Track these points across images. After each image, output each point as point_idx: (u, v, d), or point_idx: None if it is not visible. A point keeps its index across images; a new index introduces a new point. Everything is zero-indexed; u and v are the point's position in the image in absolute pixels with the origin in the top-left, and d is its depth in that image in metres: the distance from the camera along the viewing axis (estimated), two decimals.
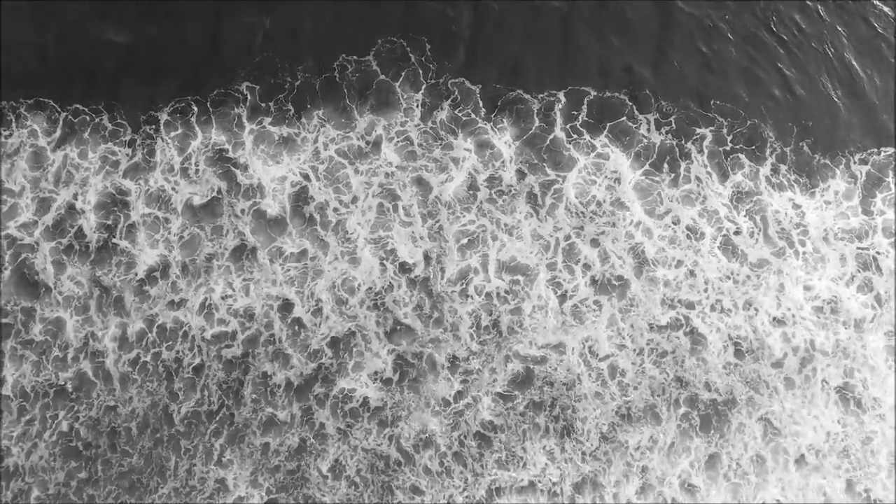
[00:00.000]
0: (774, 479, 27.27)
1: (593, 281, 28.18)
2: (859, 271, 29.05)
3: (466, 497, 26.40)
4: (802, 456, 27.57)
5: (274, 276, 27.37)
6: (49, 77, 29.00)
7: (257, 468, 26.17)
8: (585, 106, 29.65)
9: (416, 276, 27.72)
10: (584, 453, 26.95)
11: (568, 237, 28.44)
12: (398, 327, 27.32)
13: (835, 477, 27.48)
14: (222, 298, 27.15)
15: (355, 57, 29.55)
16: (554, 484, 26.74)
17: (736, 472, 27.16)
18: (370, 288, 27.48)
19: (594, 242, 28.45)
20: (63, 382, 26.34)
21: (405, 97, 29.22)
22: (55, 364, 26.45)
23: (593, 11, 31.85)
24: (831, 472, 27.51)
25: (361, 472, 26.35)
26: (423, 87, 29.42)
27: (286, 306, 27.21)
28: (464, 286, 27.80)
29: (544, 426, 27.03)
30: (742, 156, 29.80)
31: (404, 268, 27.73)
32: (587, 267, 28.29)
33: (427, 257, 27.84)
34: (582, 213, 28.68)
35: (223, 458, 26.15)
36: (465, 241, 28.07)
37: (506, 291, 27.87)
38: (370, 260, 27.69)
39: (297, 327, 27.15)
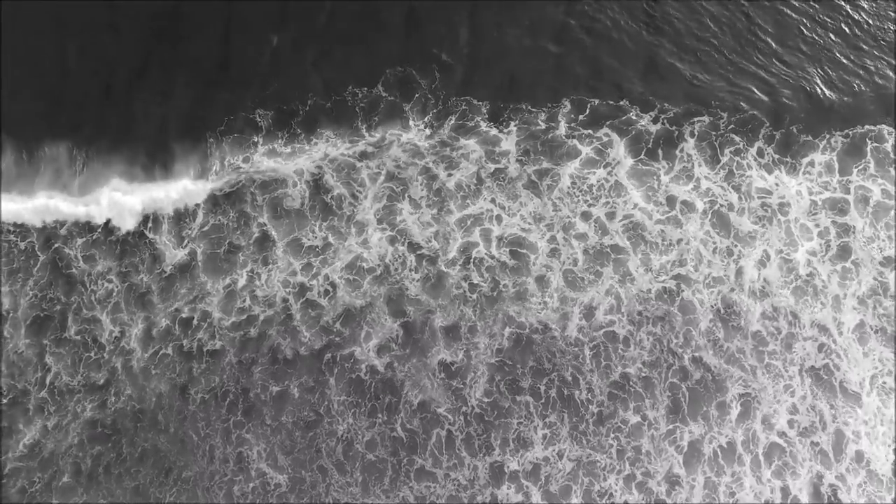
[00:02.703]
0: (749, 473, 28.13)
1: (588, 251, 29.30)
2: (838, 237, 30.13)
3: (471, 490, 27.37)
4: (774, 444, 28.39)
5: (292, 266, 28.57)
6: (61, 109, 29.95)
7: (273, 445, 27.23)
8: (588, 110, 30.84)
9: (422, 253, 28.87)
10: (580, 435, 27.89)
11: (568, 216, 29.64)
12: (405, 299, 28.42)
13: (805, 476, 28.31)
14: (241, 289, 28.33)
15: (365, 89, 30.50)
16: (558, 472, 27.68)
17: (713, 467, 28.05)
18: (382, 271, 28.63)
19: (587, 216, 29.62)
20: (95, 381, 27.53)
21: (414, 115, 30.26)
22: (87, 366, 27.66)
23: (587, 21, 32.96)
24: (802, 469, 28.34)
25: (376, 450, 27.38)
26: (431, 105, 30.45)
27: (302, 290, 28.35)
28: (468, 262, 28.91)
29: (544, 399, 28.02)
30: (734, 135, 31.03)
31: (413, 247, 28.89)
32: (584, 237, 29.42)
33: (435, 236, 29.03)
34: (581, 195, 29.84)
35: (242, 437, 27.25)
36: (470, 221, 29.29)
37: (510, 270, 29.00)
38: (381, 242, 28.89)
39: (310, 309, 28.23)
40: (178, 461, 26.90)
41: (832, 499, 28.03)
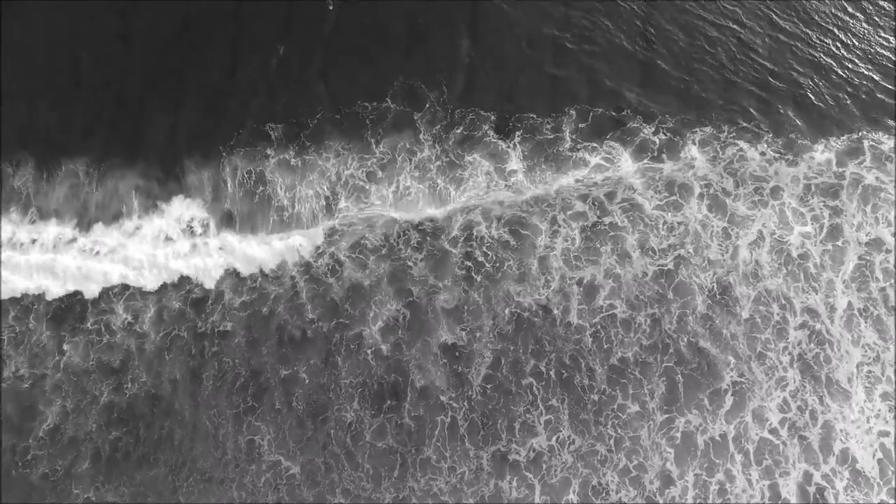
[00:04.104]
0: (739, 472, 28.35)
1: (586, 230, 30.02)
2: (830, 218, 30.89)
3: (476, 486, 27.63)
4: (764, 439, 28.67)
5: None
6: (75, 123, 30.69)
7: (284, 433, 27.56)
8: (591, 119, 31.66)
9: (425, 229, 29.52)
10: (580, 424, 28.20)
11: (567, 198, 30.41)
12: (409, 277, 28.99)
13: (793, 475, 28.54)
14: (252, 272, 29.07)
15: (375, 102, 31.26)
16: (559, 463, 27.96)
17: (704, 463, 28.32)
18: (386, 250, 29.24)
19: (585, 196, 30.43)
20: (111, 363, 28.09)
21: (423, 126, 30.97)
22: (101, 350, 28.28)
23: (583, 36, 34.03)
24: (790, 467, 28.56)
25: (383, 439, 27.72)
26: (440, 117, 31.17)
27: (308, 268, 29.02)
28: (470, 238, 29.55)
29: (546, 384, 28.41)
30: (737, 141, 32.01)
31: (417, 226, 29.55)
32: (583, 216, 30.18)
33: (439, 216, 29.69)
34: (583, 188, 30.66)
35: (253, 424, 27.61)
36: (471, 203, 30.00)
37: (512, 249, 29.56)
38: (385, 223, 29.59)
39: (315, 286, 28.82)
40: (194, 449, 27.26)
41: (818, 498, 28.23)
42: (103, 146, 30.18)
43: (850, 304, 29.98)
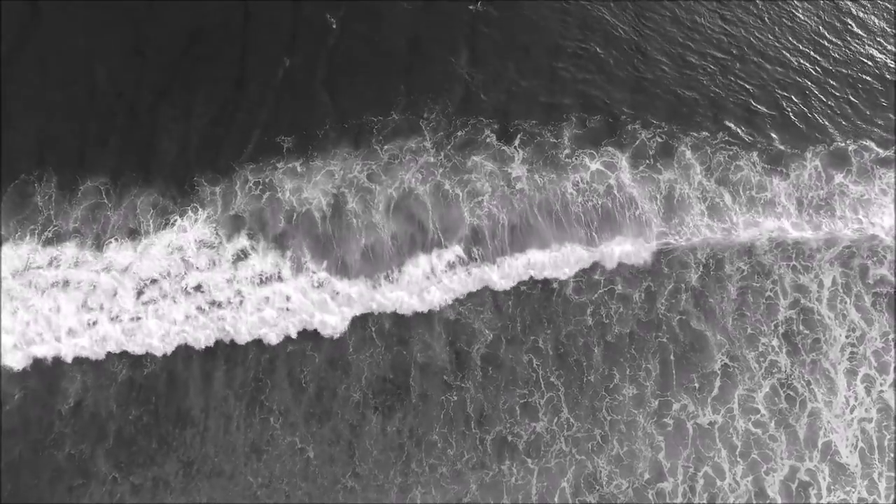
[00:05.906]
0: (726, 469, 28.87)
1: (586, 205, 30.95)
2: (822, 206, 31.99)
3: (480, 472, 28.10)
4: (749, 431, 29.20)
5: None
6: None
7: (296, 417, 27.94)
8: (588, 125, 32.72)
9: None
10: (577, 409, 28.71)
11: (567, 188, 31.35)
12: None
13: (778, 468, 29.00)
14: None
15: (380, 117, 32.05)
16: (557, 450, 28.44)
17: (692, 456, 28.84)
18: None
19: (583, 188, 31.32)
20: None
21: (428, 132, 31.80)
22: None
23: (578, 50, 35.36)
24: (775, 459, 29.05)
25: (389, 424, 28.15)
26: (444, 126, 32.03)
27: None
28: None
29: (544, 362, 28.95)
30: (729, 146, 33.12)
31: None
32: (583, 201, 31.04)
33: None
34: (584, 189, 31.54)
35: (264, 404, 27.97)
36: (476, 199, 30.79)
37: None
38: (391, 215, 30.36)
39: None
40: (207, 435, 27.39)
41: (802, 492, 28.55)
42: (118, 158, 30.61)
43: (834, 279, 30.91)
